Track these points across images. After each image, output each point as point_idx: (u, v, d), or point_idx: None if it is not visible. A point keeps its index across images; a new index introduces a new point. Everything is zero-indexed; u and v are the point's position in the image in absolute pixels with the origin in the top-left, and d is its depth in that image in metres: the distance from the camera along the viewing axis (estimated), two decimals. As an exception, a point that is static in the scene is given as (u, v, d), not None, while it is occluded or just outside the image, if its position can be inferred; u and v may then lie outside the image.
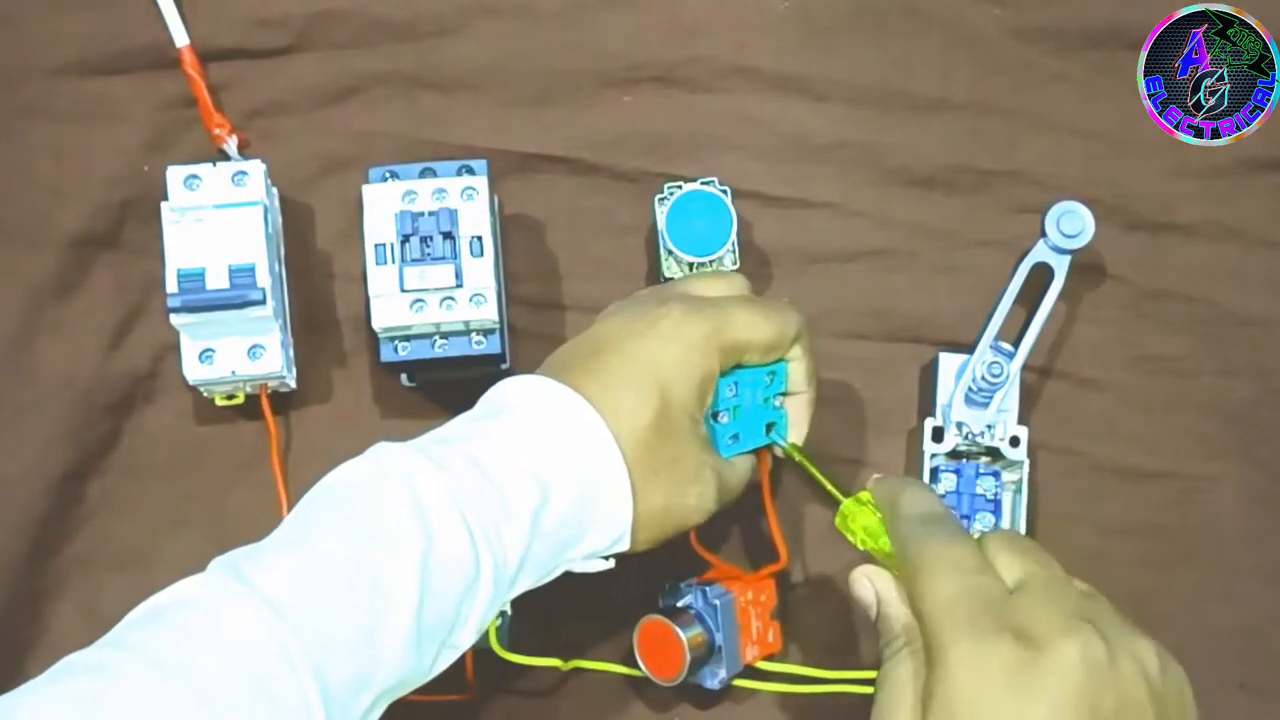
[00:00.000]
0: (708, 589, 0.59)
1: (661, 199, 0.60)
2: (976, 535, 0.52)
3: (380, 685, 0.43)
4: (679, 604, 0.59)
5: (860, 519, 0.50)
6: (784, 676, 0.60)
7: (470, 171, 0.58)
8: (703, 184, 0.60)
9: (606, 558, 0.51)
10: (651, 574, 0.61)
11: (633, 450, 0.49)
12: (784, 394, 0.56)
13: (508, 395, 0.50)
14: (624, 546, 0.50)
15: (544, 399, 0.49)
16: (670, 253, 0.60)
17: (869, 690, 0.60)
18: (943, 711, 0.43)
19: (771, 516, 0.59)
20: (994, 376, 0.59)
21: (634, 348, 0.50)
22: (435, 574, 0.44)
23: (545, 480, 0.47)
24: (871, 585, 0.48)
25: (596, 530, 0.49)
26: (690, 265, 0.60)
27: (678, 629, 0.57)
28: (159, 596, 0.43)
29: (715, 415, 0.54)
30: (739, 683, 0.60)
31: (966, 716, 0.42)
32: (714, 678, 0.58)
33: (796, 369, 0.56)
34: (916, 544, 0.46)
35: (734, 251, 0.60)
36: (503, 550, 0.46)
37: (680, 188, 0.60)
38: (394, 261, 0.56)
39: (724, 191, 0.60)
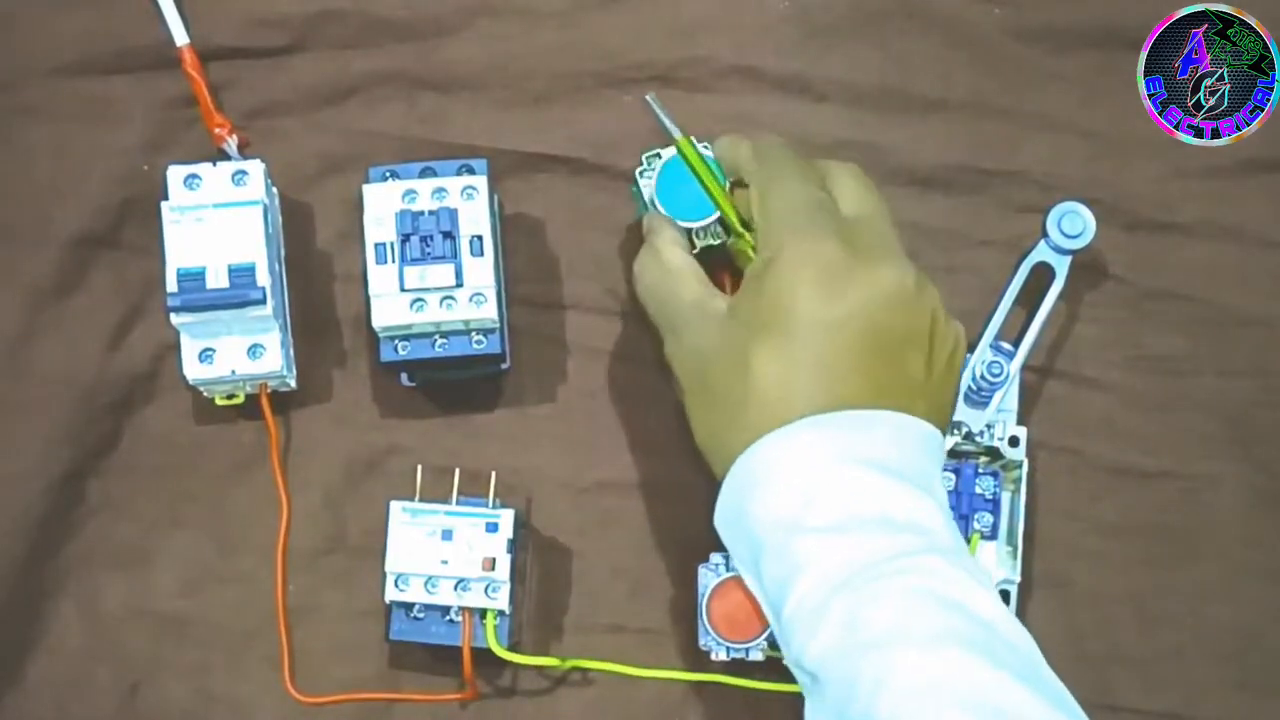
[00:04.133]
0: None
1: (643, 171, 0.58)
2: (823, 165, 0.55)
3: None
4: None
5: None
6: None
7: (470, 171, 0.58)
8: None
9: None
10: (650, 585, 0.61)
11: None
12: None
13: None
14: None
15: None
16: None
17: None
18: (760, 292, 0.49)
19: None
20: (994, 376, 0.59)
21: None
22: None
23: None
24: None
25: None
26: (690, 232, 0.57)
27: None
28: None
29: None
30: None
31: (778, 298, 0.48)
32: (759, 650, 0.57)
33: None
34: (773, 160, 0.53)
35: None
36: None
37: (659, 156, 0.58)
38: (394, 261, 0.56)
39: (705, 147, 0.58)
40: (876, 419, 0.47)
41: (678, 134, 0.55)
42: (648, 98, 0.56)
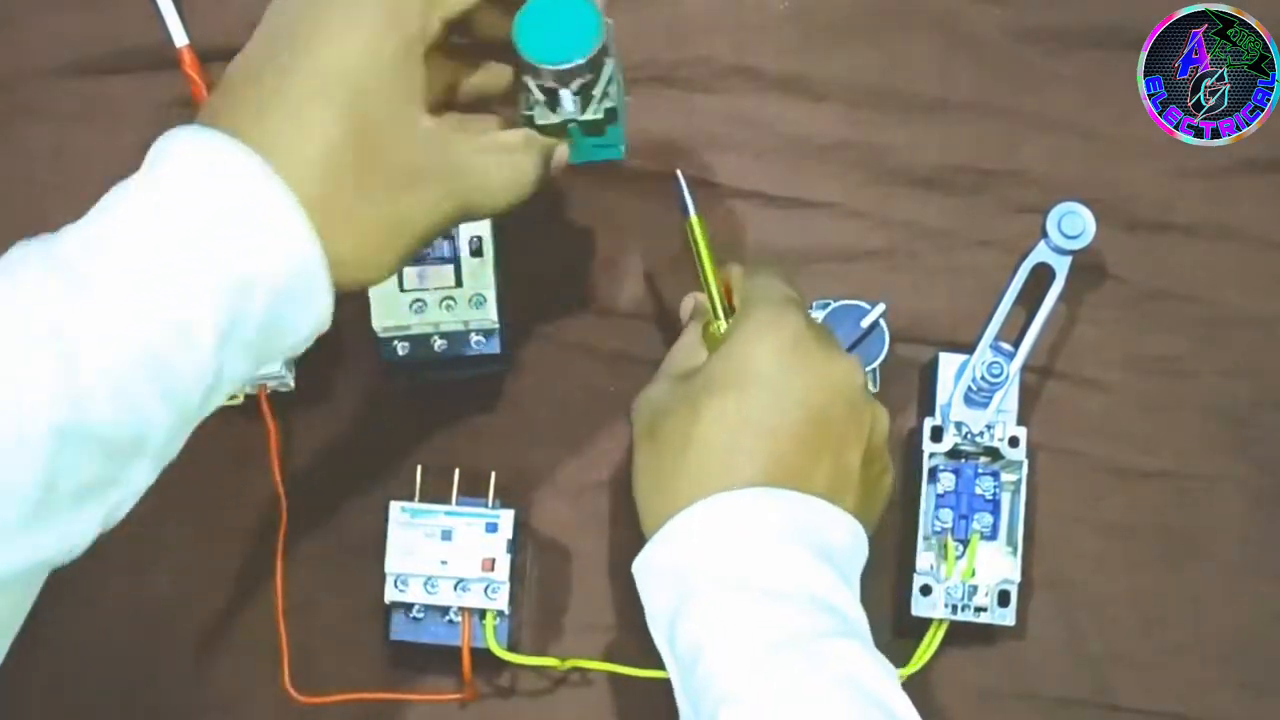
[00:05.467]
0: None
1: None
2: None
3: None
4: None
5: None
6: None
7: (470, 171, 0.58)
8: None
9: None
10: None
11: (325, 188, 0.41)
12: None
13: (176, 173, 0.41)
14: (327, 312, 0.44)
15: (217, 180, 0.41)
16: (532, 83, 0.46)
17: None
18: (722, 353, 0.52)
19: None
20: (994, 376, 0.59)
21: (306, 62, 0.41)
22: (73, 448, 0.40)
23: (234, 288, 0.40)
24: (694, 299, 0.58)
25: (299, 326, 0.43)
26: (550, 91, 0.46)
27: None
28: None
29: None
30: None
31: (738, 357, 0.51)
32: None
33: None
34: (762, 269, 0.56)
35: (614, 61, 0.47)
36: (184, 396, 0.42)
37: None
38: (394, 261, 0.56)
39: None
40: (818, 506, 0.50)
41: (693, 213, 0.56)
42: (677, 174, 0.56)
